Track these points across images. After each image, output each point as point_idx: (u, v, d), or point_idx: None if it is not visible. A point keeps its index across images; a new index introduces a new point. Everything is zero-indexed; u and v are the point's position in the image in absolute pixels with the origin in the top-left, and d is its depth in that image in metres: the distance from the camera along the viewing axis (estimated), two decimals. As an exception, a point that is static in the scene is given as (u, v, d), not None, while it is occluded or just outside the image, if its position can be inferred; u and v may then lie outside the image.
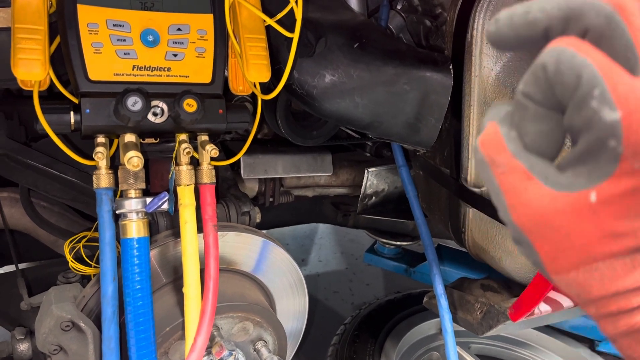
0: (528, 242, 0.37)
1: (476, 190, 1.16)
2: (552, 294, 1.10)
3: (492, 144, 0.37)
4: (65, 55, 0.91)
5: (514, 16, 0.37)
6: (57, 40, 0.93)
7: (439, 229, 1.53)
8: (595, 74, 0.32)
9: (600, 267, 0.35)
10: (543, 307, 1.14)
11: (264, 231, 1.20)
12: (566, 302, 1.17)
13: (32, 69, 0.85)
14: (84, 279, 1.17)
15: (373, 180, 1.69)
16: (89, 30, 0.90)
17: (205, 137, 1.01)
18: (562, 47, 0.34)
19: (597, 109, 0.32)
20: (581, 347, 1.84)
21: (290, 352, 1.32)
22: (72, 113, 0.90)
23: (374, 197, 1.73)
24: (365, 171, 1.66)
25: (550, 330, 1.88)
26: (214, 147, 0.98)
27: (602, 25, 0.34)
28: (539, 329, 1.90)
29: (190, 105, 0.91)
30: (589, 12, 0.34)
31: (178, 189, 0.97)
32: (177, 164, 0.98)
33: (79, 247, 1.14)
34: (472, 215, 1.24)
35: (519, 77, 1.06)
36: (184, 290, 0.96)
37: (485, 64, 1.10)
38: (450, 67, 1.10)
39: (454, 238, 1.36)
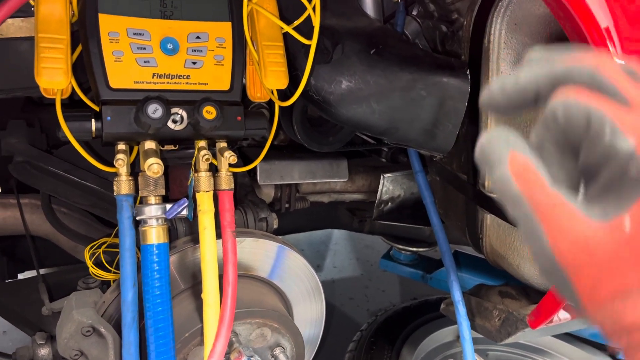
0: (563, 276, 0.37)
1: (494, 196, 1.15)
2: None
3: (529, 179, 0.38)
4: (86, 64, 0.92)
5: (506, 85, 0.41)
6: (79, 48, 0.95)
7: (455, 235, 1.52)
8: (602, 113, 0.36)
9: (635, 294, 0.35)
10: (562, 315, 1.13)
11: (280, 237, 1.21)
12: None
13: (54, 77, 0.87)
14: (104, 285, 1.18)
15: (389, 186, 1.68)
16: (110, 39, 0.91)
17: (223, 144, 1.01)
18: (566, 96, 0.37)
19: (612, 143, 0.35)
20: (601, 354, 1.81)
21: (308, 358, 1.31)
22: (93, 120, 0.91)
23: (389, 203, 1.72)
24: (381, 177, 1.66)
25: (570, 337, 1.86)
26: (232, 153, 0.99)
27: (587, 81, 0.38)
28: (557, 335, 1.88)
29: (209, 112, 0.92)
30: (572, 75, 0.38)
31: (197, 195, 0.98)
32: (196, 171, 0.98)
33: (99, 253, 1.15)
34: (489, 221, 1.23)
35: (536, 83, 1.05)
36: (202, 296, 0.96)
37: (502, 69, 1.09)
38: (468, 72, 1.09)
39: (472, 244, 1.35)
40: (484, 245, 1.29)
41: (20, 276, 1.57)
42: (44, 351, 1.12)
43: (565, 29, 0.84)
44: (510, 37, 1.08)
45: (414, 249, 1.97)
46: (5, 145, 1.20)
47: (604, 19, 0.77)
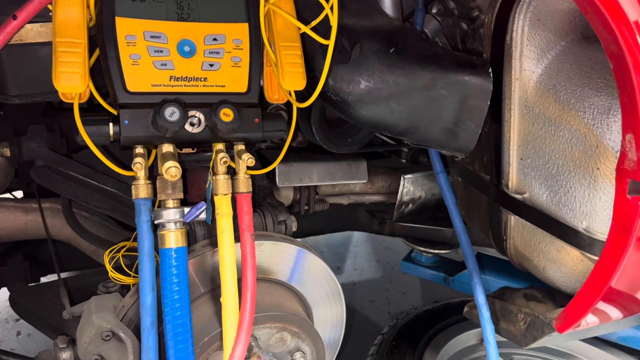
0: None
1: (518, 196, 1.13)
2: (601, 305, 1.06)
3: None
4: (104, 67, 0.92)
5: None
6: (97, 52, 0.95)
7: (478, 237, 1.49)
8: None
9: None
10: (590, 319, 1.09)
11: (299, 240, 1.20)
12: (615, 314, 1.12)
13: (72, 81, 0.87)
14: (124, 289, 1.18)
15: (409, 187, 1.66)
16: (127, 42, 0.91)
17: (241, 146, 1.01)
18: None
19: None
20: (630, 358, 1.76)
21: (329, 362, 1.30)
22: (111, 124, 0.91)
23: (410, 205, 1.70)
24: (402, 178, 1.64)
25: (597, 341, 1.81)
26: (250, 156, 0.98)
27: None
28: (585, 340, 1.83)
29: (226, 114, 0.92)
30: None
31: (215, 198, 0.98)
32: (215, 174, 0.98)
33: (119, 257, 1.15)
34: (514, 222, 1.20)
35: (562, 80, 1.03)
36: (221, 300, 0.95)
37: (526, 67, 1.07)
38: (490, 70, 1.07)
39: (495, 246, 1.32)
40: (508, 247, 1.26)
41: (43, 279, 1.59)
42: (65, 355, 1.13)
43: (592, 23, 0.82)
44: (534, 33, 1.06)
45: (436, 251, 1.94)
46: (26, 150, 1.22)
47: (633, 12, 0.74)
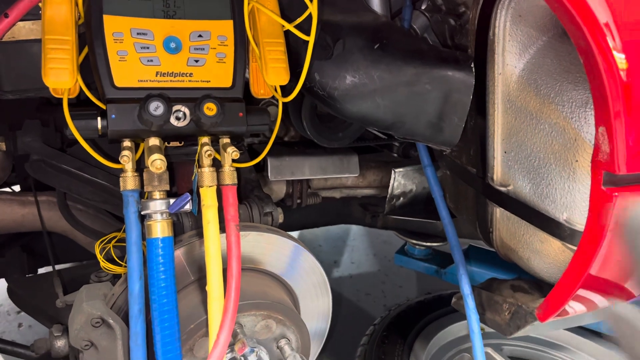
0: None
1: (503, 189, 1.15)
2: (584, 293, 1.08)
3: None
4: (92, 64, 0.95)
5: None
6: (86, 49, 0.97)
7: (469, 230, 1.51)
8: None
9: None
10: (577, 307, 1.11)
11: (292, 233, 1.22)
12: (601, 302, 1.14)
13: (61, 77, 0.90)
14: (115, 278, 1.21)
15: (400, 181, 1.68)
16: (114, 39, 0.94)
17: (226, 140, 1.03)
18: None
19: None
20: (617, 349, 1.78)
21: (315, 351, 1.33)
22: (99, 119, 0.94)
23: (401, 198, 1.72)
24: (392, 171, 1.66)
25: (585, 332, 1.83)
26: (235, 149, 1.00)
27: None
28: (574, 330, 1.85)
29: (210, 109, 0.94)
30: None
31: (201, 190, 1.00)
32: (200, 166, 1.00)
33: (110, 248, 1.18)
34: (499, 214, 1.22)
35: (542, 74, 1.05)
36: (207, 288, 0.98)
37: (508, 62, 1.09)
38: (472, 65, 1.09)
39: (483, 238, 1.34)
40: (495, 239, 1.28)
41: (41, 271, 1.62)
42: (60, 343, 1.16)
43: (561, 20, 0.84)
44: (515, 29, 1.07)
45: (428, 244, 1.96)
46: (21, 145, 1.24)
47: (598, 7, 0.76)
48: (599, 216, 0.90)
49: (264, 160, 1.49)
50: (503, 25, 1.07)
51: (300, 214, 1.80)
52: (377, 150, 1.79)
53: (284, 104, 1.13)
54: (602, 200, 0.88)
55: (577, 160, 0.98)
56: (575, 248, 1.03)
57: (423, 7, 1.35)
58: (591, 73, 0.82)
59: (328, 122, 1.47)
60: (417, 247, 2.02)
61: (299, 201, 1.63)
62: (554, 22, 1.09)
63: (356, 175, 1.62)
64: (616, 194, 0.86)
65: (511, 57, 1.09)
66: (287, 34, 1.09)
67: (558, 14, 0.83)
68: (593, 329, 1.81)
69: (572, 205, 1.02)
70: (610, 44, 0.77)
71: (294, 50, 1.10)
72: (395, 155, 1.75)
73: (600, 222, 0.90)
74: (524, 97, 1.07)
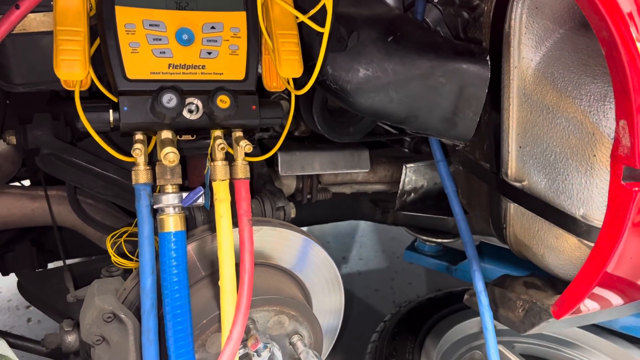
0: None
1: (517, 184, 1.14)
2: (599, 291, 1.06)
3: None
4: (104, 55, 0.94)
5: None
6: (98, 41, 0.97)
7: (481, 226, 1.50)
8: None
9: None
10: (591, 305, 1.10)
11: (303, 228, 1.21)
12: (615, 300, 1.13)
13: (73, 69, 0.89)
14: (126, 273, 1.20)
15: (412, 176, 1.67)
16: (126, 31, 0.93)
17: (239, 133, 1.02)
18: None
19: None
20: (632, 347, 1.76)
21: (327, 348, 1.32)
22: (111, 111, 0.93)
23: (412, 194, 1.71)
24: (404, 167, 1.65)
25: (599, 329, 1.81)
26: (248, 142, 0.99)
27: None
28: (587, 328, 1.83)
29: (223, 101, 0.93)
30: None
31: (213, 184, 0.99)
32: (212, 160, 0.99)
33: (121, 242, 1.17)
34: (513, 210, 1.21)
35: (559, 67, 1.03)
36: (219, 283, 0.97)
37: (524, 55, 1.07)
38: (488, 58, 1.07)
39: (496, 234, 1.33)
40: (508, 235, 1.27)
41: (50, 266, 1.62)
42: (70, 337, 1.16)
43: (583, 9, 0.82)
44: (532, 21, 1.06)
45: (439, 240, 1.95)
46: (31, 138, 1.24)
47: (626, 4, 0.74)
48: (618, 212, 0.88)
49: (275, 154, 1.48)
50: (519, 18, 1.06)
51: (310, 209, 1.79)
52: (388, 146, 1.78)
53: (295, 97, 1.11)
54: (621, 196, 0.87)
55: (594, 155, 0.97)
56: (591, 244, 1.02)
57: (436, 0, 1.34)
58: (613, 65, 0.80)
59: (339, 116, 1.46)
60: (427, 243, 2.01)
61: (309, 196, 1.62)
62: (571, 14, 1.07)
63: (367, 170, 1.61)
64: (636, 188, 0.85)
65: (527, 50, 1.07)
66: (300, 26, 1.07)
67: (580, 3, 0.81)
68: (608, 327, 1.79)
69: (589, 200, 1.00)
70: (634, 34, 0.76)
71: (306, 42, 1.09)
72: (407, 150, 1.73)
73: (619, 218, 0.88)
74: (540, 90, 1.06)
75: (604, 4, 0.75)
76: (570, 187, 1.02)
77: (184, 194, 0.97)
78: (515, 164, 1.14)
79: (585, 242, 1.04)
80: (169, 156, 0.91)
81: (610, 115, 0.93)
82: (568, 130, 1.01)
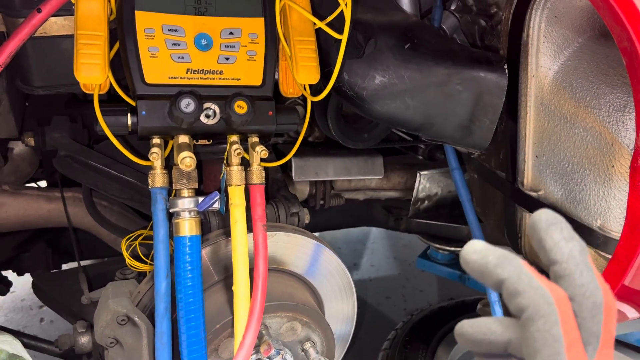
0: None
1: (533, 194, 1.13)
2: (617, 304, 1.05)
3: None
4: (123, 59, 0.95)
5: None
6: (117, 45, 0.97)
7: (495, 235, 1.49)
8: None
9: None
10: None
11: (315, 233, 1.21)
12: (631, 313, 1.11)
13: (92, 72, 0.90)
14: (141, 276, 1.21)
15: (426, 184, 1.66)
16: (145, 35, 0.93)
17: (255, 139, 1.02)
18: None
19: None
20: (649, 362, 1.73)
21: (339, 355, 1.31)
22: (129, 115, 0.94)
23: (426, 201, 1.70)
24: (418, 174, 1.64)
25: (614, 343, 1.79)
26: (264, 148, 0.99)
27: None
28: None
29: (240, 107, 0.93)
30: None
31: (229, 189, 0.99)
32: (228, 165, 1.00)
33: (136, 245, 1.18)
34: (528, 220, 1.20)
35: (578, 77, 1.02)
36: (233, 288, 0.97)
37: (542, 63, 1.06)
38: (505, 66, 1.07)
39: (510, 244, 1.32)
40: (523, 245, 1.25)
41: (65, 267, 1.63)
42: (84, 339, 1.16)
43: (604, 19, 0.81)
44: (551, 30, 1.05)
45: (452, 249, 1.93)
46: (49, 140, 1.25)
47: (647, 9, 0.73)
48: (637, 224, 0.87)
49: (289, 160, 1.48)
50: (538, 27, 1.05)
51: (323, 215, 1.78)
52: (402, 153, 1.77)
53: (310, 103, 1.12)
54: (640, 207, 0.86)
55: (613, 166, 0.96)
56: (608, 256, 1.00)
57: (453, 8, 1.34)
58: (634, 75, 0.79)
59: (353, 122, 1.46)
60: (440, 251, 2.00)
61: (322, 202, 1.62)
62: (590, 23, 1.06)
63: (380, 177, 1.60)
64: (656, 200, 0.84)
65: (545, 59, 1.06)
66: (317, 32, 1.08)
67: (602, 13, 0.80)
68: (622, 340, 1.76)
69: (607, 212, 0.99)
70: (656, 44, 0.75)
71: (322, 48, 1.09)
72: (421, 157, 1.73)
73: (637, 230, 0.87)
74: (558, 100, 1.05)
75: (626, 14, 0.75)
76: (587, 197, 1.01)
77: (200, 199, 0.97)
78: (531, 174, 1.13)
79: (602, 253, 1.03)
80: (186, 160, 0.92)
81: (630, 126, 0.92)
82: (586, 141, 1.00)
